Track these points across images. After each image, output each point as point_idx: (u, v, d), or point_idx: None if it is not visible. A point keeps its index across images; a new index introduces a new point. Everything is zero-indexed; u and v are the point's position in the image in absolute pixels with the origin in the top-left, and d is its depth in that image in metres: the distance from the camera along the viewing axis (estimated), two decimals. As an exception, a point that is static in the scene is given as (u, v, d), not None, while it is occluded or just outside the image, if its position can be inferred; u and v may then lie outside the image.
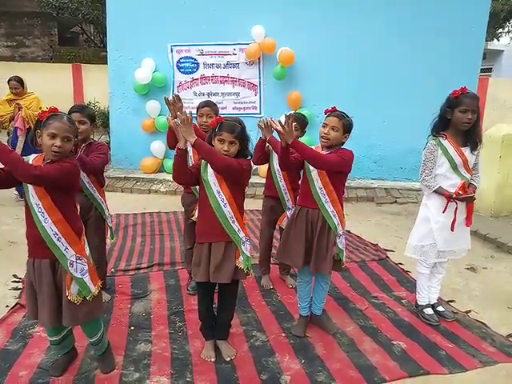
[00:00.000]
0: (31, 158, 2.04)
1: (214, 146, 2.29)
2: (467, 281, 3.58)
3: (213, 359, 2.41)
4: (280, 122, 2.42)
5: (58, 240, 1.98)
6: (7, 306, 2.92)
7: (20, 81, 5.31)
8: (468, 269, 3.80)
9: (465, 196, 2.65)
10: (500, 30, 22.21)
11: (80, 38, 17.53)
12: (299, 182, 3.07)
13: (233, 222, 2.29)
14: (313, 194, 2.53)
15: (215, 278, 2.27)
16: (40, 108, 5.15)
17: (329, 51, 6.62)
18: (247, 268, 2.32)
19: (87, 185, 2.77)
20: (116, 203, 5.78)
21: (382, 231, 4.85)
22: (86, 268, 2.06)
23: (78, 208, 2.18)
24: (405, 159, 6.70)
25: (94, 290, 2.08)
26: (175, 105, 2.93)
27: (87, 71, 12.74)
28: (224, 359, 2.41)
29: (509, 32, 22.78)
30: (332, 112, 2.51)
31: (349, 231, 4.71)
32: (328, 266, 2.53)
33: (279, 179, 3.17)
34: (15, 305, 2.93)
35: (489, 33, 19.45)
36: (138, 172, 7.06)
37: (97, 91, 10.86)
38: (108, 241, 3.14)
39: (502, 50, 15.37)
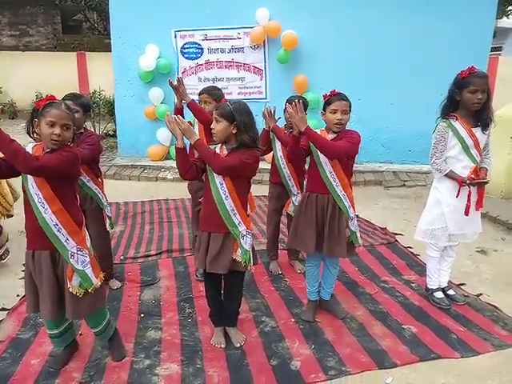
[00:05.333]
0: (29, 147, 2.00)
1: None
2: (478, 264, 3.54)
3: (223, 345, 2.42)
4: (293, 107, 2.34)
5: (58, 231, 1.95)
6: (18, 296, 2.94)
7: None
8: (478, 251, 3.76)
9: (478, 181, 2.59)
10: (510, 8, 21.63)
11: (83, 25, 17.40)
12: (304, 167, 3.04)
13: (234, 214, 2.24)
14: (323, 178, 2.49)
15: (211, 268, 2.26)
16: None
17: (335, 33, 6.48)
18: (245, 262, 2.27)
19: None
20: (124, 191, 5.81)
21: (390, 215, 4.81)
22: (88, 260, 2.04)
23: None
24: (413, 142, 6.60)
25: (96, 282, 2.06)
26: (179, 88, 2.97)
27: (92, 59, 12.65)
28: (234, 345, 2.42)
29: (520, 9, 22.18)
30: (334, 96, 2.45)
31: (357, 215, 4.62)
32: (342, 249, 2.51)
33: (283, 166, 3.14)
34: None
35: (499, 10, 18.94)
36: (145, 160, 7.05)
37: (102, 79, 10.79)
38: (113, 230, 3.13)
39: (513, 28, 14.97)
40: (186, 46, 6.80)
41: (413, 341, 2.48)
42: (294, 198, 3.14)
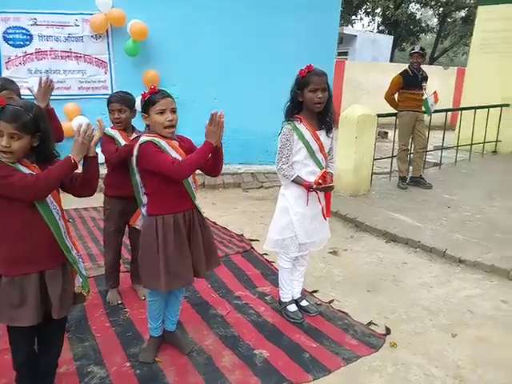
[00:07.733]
0: None
1: None
2: (330, 266, 3.53)
3: (28, 419, 1.85)
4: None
5: None
6: None
7: None
8: (331, 253, 3.76)
9: (325, 186, 2.46)
10: (353, 17, 24.14)
11: None
12: None
13: (66, 237, 1.80)
14: (189, 192, 2.15)
15: (61, 313, 1.76)
16: None
17: (187, 26, 6.07)
18: (87, 290, 1.87)
19: None
20: None
21: (248, 219, 4.63)
22: None
23: None
24: (270, 142, 6.53)
25: None
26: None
27: None
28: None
29: (361, 19, 24.91)
30: (156, 94, 2.09)
31: (215, 222, 4.39)
32: (216, 257, 2.32)
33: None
34: None
35: (345, 19, 20.93)
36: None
37: None
38: None
39: (355, 35, 16.52)
40: (9, 31, 5.67)
41: (264, 368, 2.23)
42: (143, 209, 2.61)
